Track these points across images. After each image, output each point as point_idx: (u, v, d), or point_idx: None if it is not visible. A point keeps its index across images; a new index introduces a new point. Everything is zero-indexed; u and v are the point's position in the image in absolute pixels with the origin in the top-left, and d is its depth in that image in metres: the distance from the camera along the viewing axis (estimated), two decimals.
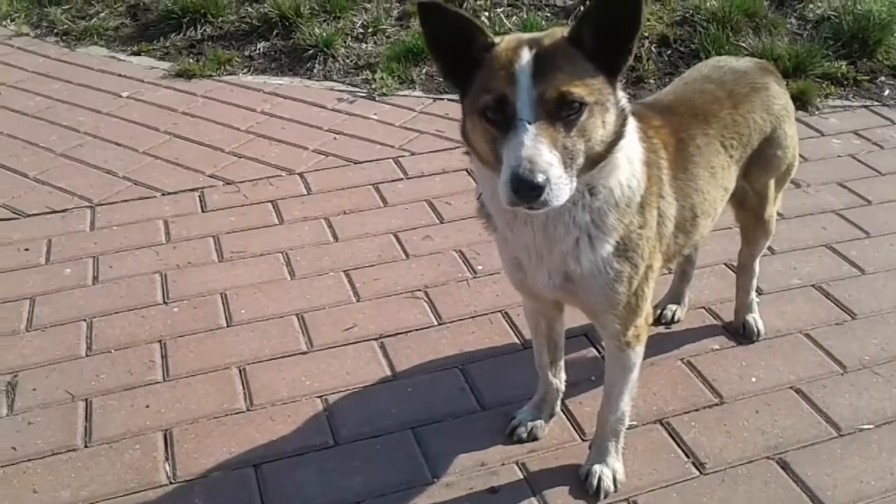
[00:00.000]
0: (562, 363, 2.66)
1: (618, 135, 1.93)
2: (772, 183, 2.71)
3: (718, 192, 2.45)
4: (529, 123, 1.75)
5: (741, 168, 2.56)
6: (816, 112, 4.60)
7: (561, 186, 1.76)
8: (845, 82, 4.87)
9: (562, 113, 1.79)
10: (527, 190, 1.72)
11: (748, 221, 2.82)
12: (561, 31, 1.90)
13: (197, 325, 3.12)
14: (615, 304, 2.17)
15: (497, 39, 1.90)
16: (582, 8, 5.42)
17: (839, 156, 4.23)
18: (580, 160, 1.84)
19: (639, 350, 2.33)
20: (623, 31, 1.84)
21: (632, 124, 2.03)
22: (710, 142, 2.40)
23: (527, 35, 1.93)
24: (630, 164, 2.06)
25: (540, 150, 1.73)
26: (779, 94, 2.63)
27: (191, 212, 3.85)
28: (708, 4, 5.33)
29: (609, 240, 2.08)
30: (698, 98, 2.49)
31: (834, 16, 5.26)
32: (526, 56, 1.80)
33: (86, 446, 2.62)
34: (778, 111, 2.60)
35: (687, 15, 5.36)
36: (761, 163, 2.61)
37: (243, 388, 2.83)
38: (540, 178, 1.71)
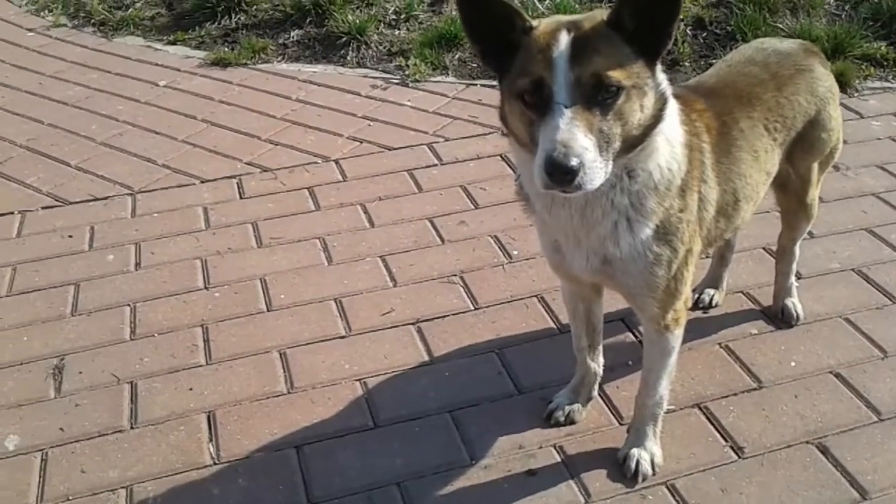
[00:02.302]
0: (600, 347, 2.67)
1: (656, 118, 1.93)
2: (815, 166, 2.69)
3: (761, 176, 2.44)
4: (566, 107, 1.76)
5: (784, 151, 2.54)
6: (856, 94, 4.53)
7: (595, 170, 1.77)
8: (885, 63, 4.78)
9: (599, 97, 1.79)
10: (561, 174, 1.73)
11: (790, 205, 2.80)
12: (601, 14, 1.89)
13: (237, 310, 3.17)
14: (654, 288, 2.18)
15: (535, 23, 1.90)
16: None
17: (879, 138, 4.17)
18: (617, 144, 1.84)
19: (678, 334, 2.33)
20: (663, 14, 1.83)
21: (672, 107, 2.02)
22: (753, 125, 2.39)
23: (566, 18, 1.92)
24: (670, 146, 2.05)
25: (575, 134, 1.74)
26: (823, 76, 2.60)
27: (229, 199, 3.90)
28: None
29: (648, 223, 2.08)
30: (742, 80, 2.48)
31: None
32: (564, 40, 1.80)
33: (132, 427, 2.69)
34: (823, 93, 2.57)
35: None
36: (805, 146, 2.59)
37: (284, 372, 2.88)
38: (574, 162, 1.72)
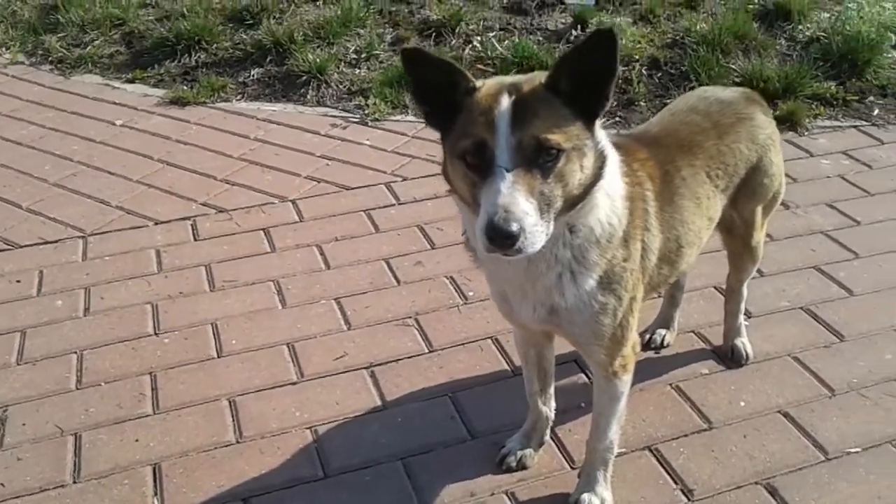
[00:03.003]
0: (551, 391, 2.67)
1: (596, 176, 1.96)
2: (759, 210, 2.73)
3: (703, 221, 2.47)
4: (507, 170, 1.78)
5: (728, 197, 2.58)
6: (806, 133, 4.62)
7: (536, 234, 1.79)
8: (834, 103, 4.89)
9: (539, 159, 1.82)
10: (501, 238, 1.75)
11: (736, 248, 2.84)
12: (540, 77, 1.92)
13: (187, 357, 3.13)
14: (601, 336, 2.20)
15: (479, 84, 1.93)
16: (573, 32, 5.47)
17: (828, 176, 4.24)
18: (558, 204, 1.87)
19: (626, 379, 2.34)
20: (599, 77, 1.87)
21: (613, 162, 2.06)
22: (695, 172, 2.42)
23: (508, 79, 1.96)
24: (611, 201, 2.08)
25: (516, 199, 1.76)
26: (764, 124, 2.65)
27: (183, 241, 3.87)
28: (698, 27, 5.37)
29: (592, 274, 2.10)
30: (684, 129, 2.52)
31: (823, 37, 5.29)
32: (505, 102, 1.83)
33: (74, 482, 2.63)
34: (763, 140, 2.62)
35: (677, 37, 5.40)
36: (748, 191, 2.63)
37: (233, 420, 2.84)
38: (514, 227, 1.74)
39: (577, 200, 1.95)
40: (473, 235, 2.06)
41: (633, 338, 2.30)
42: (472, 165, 1.85)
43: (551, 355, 2.61)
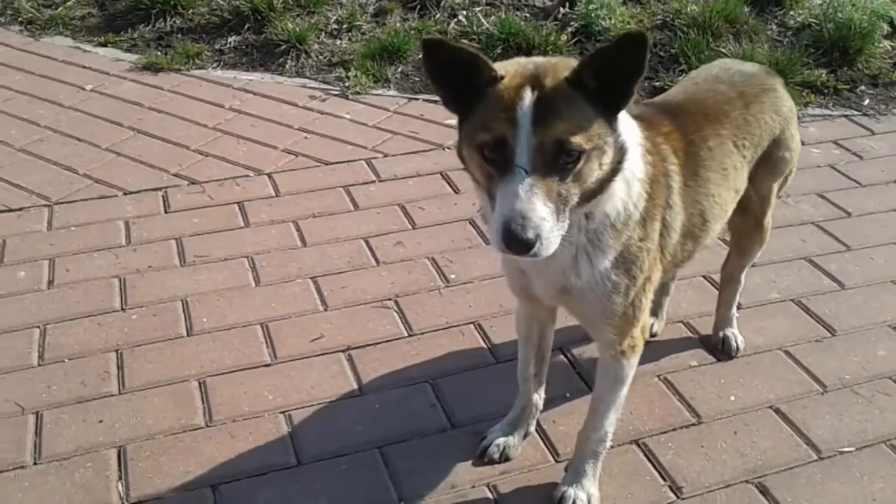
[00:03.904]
0: (544, 378, 2.59)
1: (615, 171, 1.91)
2: (775, 186, 2.68)
3: (730, 194, 2.42)
4: (526, 172, 1.73)
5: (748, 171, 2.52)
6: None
7: (552, 239, 1.77)
8: (825, 91, 4.82)
9: (560, 161, 1.77)
10: (518, 245, 1.72)
11: (747, 228, 2.76)
12: (565, 66, 1.84)
13: (156, 334, 2.99)
14: (611, 315, 2.15)
15: (501, 71, 1.84)
16: (561, 10, 5.34)
17: (819, 166, 4.17)
18: (574, 202, 1.84)
19: (633, 362, 2.27)
20: (625, 74, 1.79)
21: (633, 147, 1.99)
22: (722, 142, 2.37)
23: (531, 66, 1.86)
24: (628, 187, 2.02)
25: (534, 204, 1.73)
26: (785, 97, 2.62)
27: (153, 212, 3.70)
28: (689, 9, 5.26)
29: (608, 255, 2.06)
30: (710, 98, 2.46)
31: (815, 23, 5.21)
32: (528, 99, 1.76)
33: (35, 463, 2.49)
34: (786, 112, 2.57)
35: (667, 19, 5.29)
36: (769, 165, 2.58)
37: (203, 403, 2.70)
38: (531, 235, 1.72)
39: (594, 194, 1.90)
40: (488, 213, 1.98)
41: (645, 319, 2.25)
42: (489, 159, 1.80)
43: (551, 337, 2.55)
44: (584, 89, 1.80)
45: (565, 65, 1.85)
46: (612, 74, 1.78)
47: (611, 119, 1.85)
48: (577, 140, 1.76)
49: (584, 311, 2.17)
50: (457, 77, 1.84)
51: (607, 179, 1.90)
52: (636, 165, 2.04)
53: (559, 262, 2.02)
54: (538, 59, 1.93)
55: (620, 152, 1.90)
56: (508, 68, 1.86)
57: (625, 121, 1.96)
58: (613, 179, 1.92)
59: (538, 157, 1.75)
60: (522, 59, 1.96)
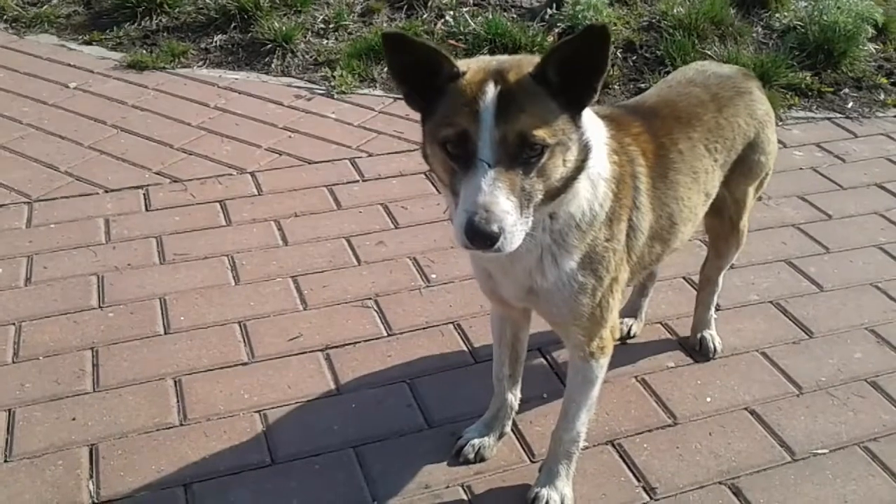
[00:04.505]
0: (519, 379, 2.59)
1: (579, 169, 1.89)
2: (751, 190, 2.66)
3: (700, 197, 2.40)
4: (489, 166, 1.72)
5: (722, 174, 2.51)
6: (779, 123, 4.54)
7: (515, 233, 1.75)
8: (809, 93, 4.84)
9: (522, 155, 1.76)
10: (481, 239, 1.71)
11: (723, 230, 2.76)
12: (528, 63, 1.83)
13: (132, 332, 2.97)
14: (579, 316, 2.14)
15: (463, 67, 1.83)
16: (548, 10, 5.34)
17: (801, 168, 4.18)
18: (538, 199, 1.82)
19: (602, 363, 2.26)
20: (588, 70, 1.79)
21: (598, 146, 1.98)
22: (693, 146, 2.36)
23: (494, 63, 1.86)
24: (593, 186, 2.01)
25: (497, 198, 1.71)
26: (761, 100, 2.60)
27: (133, 210, 3.69)
28: (675, 11, 5.27)
29: (573, 256, 2.05)
30: (682, 101, 2.45)
31: (800, 26, 5.23)
32: (491, 93, 1.75)
33: (5, 461, 2.47)
34: (761, 116, 2.56)
35: (654, 21, 5.30)
36: (744, 169, 2.57)
37: (178, 401, 2.69)
38: (494, 228, 1.70)
39: (558, 193, 1.89)
40: (452, 212, 1.97)
41: (613, 320, 2.23)
42: (452, 155, 1.78)
43: (526, 338, 2.54)
44: (548, 85, 1.80)
45: (529, 61, 1.84)
46: (576, 69, 1.77)
47: (575, 116, 1.84)
48: (541, 133, 1.75)
49: (552, 312, 2.16)
50: (419, 73, 1.83)
51: (571, 178, 1.88)
52: (602, 165, 2.03)
53: (524, 262, 2.02)
54: (502, 57, 1.93)
55: (585, 150, 1.89)
56: (471, 65, 1.85)
57: (590, 120, 1.96)
58: (578, 178, 1.91)
59: (501, 150, 1.73)
60: (486, 57, 1.95)
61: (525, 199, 1.77)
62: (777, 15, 5.43)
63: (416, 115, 1.93)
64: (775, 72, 4.79)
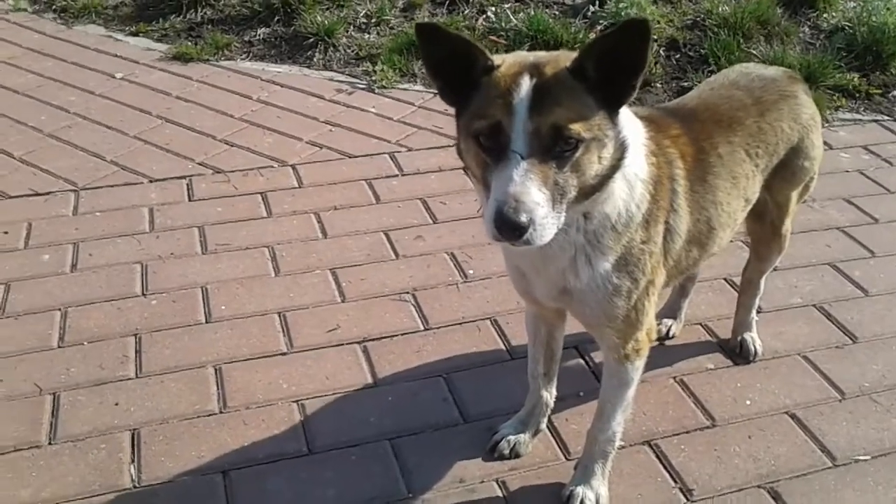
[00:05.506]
0: (555, 377, 2.58)
1: (615, 167, 1.86)
2: (794, 195, 2.62)
3: (739, 202, 2.36)
4: (522, 157, 1.70)
5: (764, 179, 2.47)
6: (826, 124, 4.46)
7: (546, 226, 1.71)
8: (857, 95, 4.74)
9: (556, 148, 1.73)
10: (509, 229, 1.67)
11: (764, 235, 2.72)
12: (565, 58, 1.81)
13: (175, 320, 3.02)
14: (613, 318, 2.11)
15: (498, 61, 1.82)
16: (591, 7, 5.31)
17: (847, 171, 4.11)
18: (572, 195, 1.79)
19: (638, 365, 2.24)
20: (627, 66, 1.76)
21: (635, 147, 1.95)
22: (733, 150, 2.32)
23: (530, 57, 1.84)
24: (630, 188, 1.98)
25: (528, 189, 1.68)
26: (807, 104, 2.54)
27: (177, 200, 3.74)
28: (720, 9, 5.20)
29: (608, 257, 2.02)
30: (724, 104, 2.41)
31: (848, 26, 5.13)
32: (525, 85, 1.74)
33: (50, 443, 2.52)
34: (806, 120, 2.51)
35: (698, 19, 5.24)
36: (787, 174, 2.52)
37: (218, 389, 2.73)
38: (524, 218, 1.66)
39: (593, 191, 1.86)
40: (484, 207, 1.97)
41: (649, 322, 2.20)
42: (485, 147, 1.76)
43: (561, 337, 2.52)
44: (585, 80, 1.77)
45: (566, 56, 1.82)
46: (615, 65, 1.74)
47: (612, 113, 1.82)
48: (576, 127, 1.73)
49: (586, 313, 2.13)
50: (453, 66, 1.82)
51: (607, 176, 1.86)
52: (639, 166, 2.00)
53: (557, 262, 2.00)
54: (540, 52, 1.91)
55: (621, 149, 1.86)
56: (507, 59, 1.84)
57: (629, 119, 1.93)
58: (613, 177, 1.88)
59: (534, 142, 1.71)
60: (523, 52, 1.95)
61: (558, 193, 1.74)
62: (825, 15, 5.33)
63: (454, 111, 1.93)
64: (822, 73, 4.71)
